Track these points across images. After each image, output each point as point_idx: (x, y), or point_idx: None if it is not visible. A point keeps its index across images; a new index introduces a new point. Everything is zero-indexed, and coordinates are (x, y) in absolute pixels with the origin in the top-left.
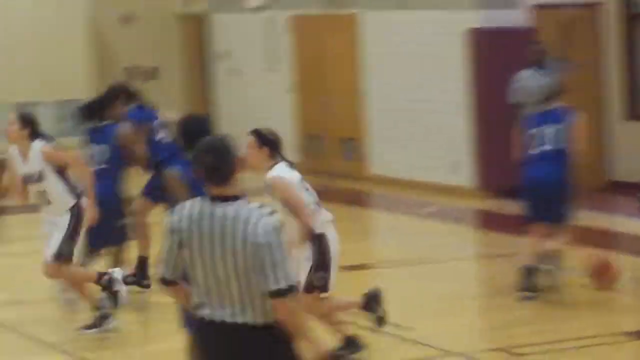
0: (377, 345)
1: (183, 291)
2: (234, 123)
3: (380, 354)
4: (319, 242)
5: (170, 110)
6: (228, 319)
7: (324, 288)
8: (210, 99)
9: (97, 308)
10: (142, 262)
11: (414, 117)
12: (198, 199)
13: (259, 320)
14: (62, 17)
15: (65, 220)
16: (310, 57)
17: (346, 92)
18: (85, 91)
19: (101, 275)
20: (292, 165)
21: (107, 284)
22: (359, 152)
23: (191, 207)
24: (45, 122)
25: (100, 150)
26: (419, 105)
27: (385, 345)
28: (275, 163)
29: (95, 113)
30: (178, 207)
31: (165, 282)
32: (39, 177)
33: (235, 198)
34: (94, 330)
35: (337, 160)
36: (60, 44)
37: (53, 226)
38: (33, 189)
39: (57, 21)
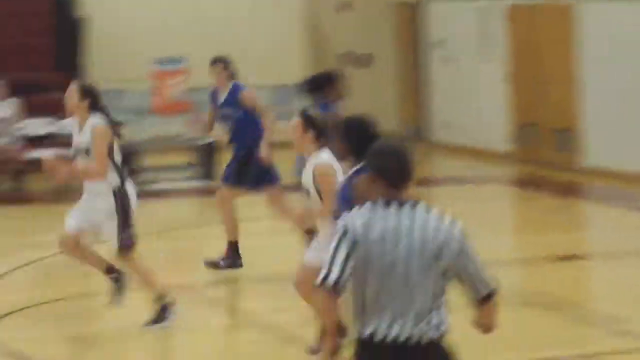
0: (591, 336)
1: (337, 303)
2: (446, 112)
3: (593, 346)
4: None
5: (383, 95)
6: (403, 334)
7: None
8: (423, 87)
9: (160, 298)
10: (234, 245)
11: (631, 109)
12: (372, 204)
13: (434, 334)
14: (279, 3)
15: (108, 203)
16: (525, 47)
17: (561, 82)
18: (299, 77)
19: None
20: (334, 153)
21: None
22: (573, 143)
23: (368, 211)
24: None
25: None
26: (636, 96)
27: (601, 337)
28: (320, 148)
29: (317, 88)
30: (353, 211)
31: (335, 289)
32: (87, 151)
33: (413, 203)
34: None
35: (549, 150)
36: (276, 30)
37: (92, 202)
38: (81, 162)
39: (275, 7)
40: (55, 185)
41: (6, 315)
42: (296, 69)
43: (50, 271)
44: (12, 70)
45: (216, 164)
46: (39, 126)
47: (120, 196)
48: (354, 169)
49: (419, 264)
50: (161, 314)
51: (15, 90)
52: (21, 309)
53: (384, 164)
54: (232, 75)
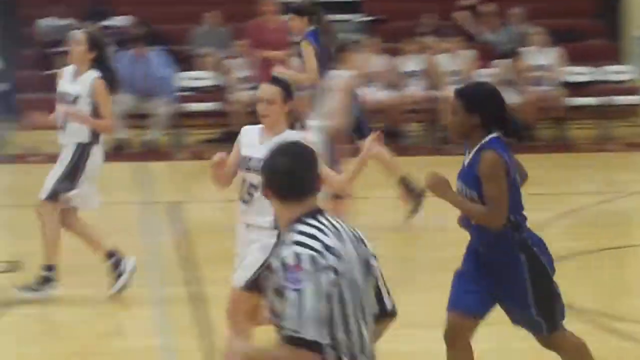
0: None
1: None
2: None
3: None
4: None
5: None
6: None
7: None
8: None
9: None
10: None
11: None
12: (309, 220)
13: None
14: None
15: (68, 155)
16: None
17: None
18: None
19: (111, 254)
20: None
21: (114, 264)
22: None
23: (320, 230)
24: None
25: None
26: None
27: None
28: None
29: None
30: (304, 235)
31: (323, 349)
32: (74, 100)
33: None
34: (31, 293)
35: None
36: None
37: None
38: (61, 108)
39: None
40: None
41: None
42: None
43: (590, 220)
44: (552, 17)
45: None
46: (579, 73)
47: (80, 152)
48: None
49: (371, 282)
50: (41, 284)
51: (556, 37)
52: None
53: (307, 167)
54: (310, 24)
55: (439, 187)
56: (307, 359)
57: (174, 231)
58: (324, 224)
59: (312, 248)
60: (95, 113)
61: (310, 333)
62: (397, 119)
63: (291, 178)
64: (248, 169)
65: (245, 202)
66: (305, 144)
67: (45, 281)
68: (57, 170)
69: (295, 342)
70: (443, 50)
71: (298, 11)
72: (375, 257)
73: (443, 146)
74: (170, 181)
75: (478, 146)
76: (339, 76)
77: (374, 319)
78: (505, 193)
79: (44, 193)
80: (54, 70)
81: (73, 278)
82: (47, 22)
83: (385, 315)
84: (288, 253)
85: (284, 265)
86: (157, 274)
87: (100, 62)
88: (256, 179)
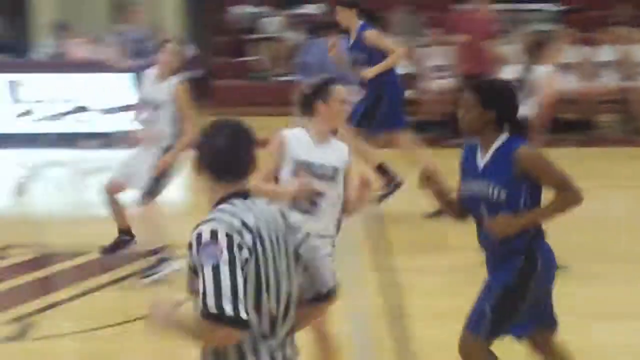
0: None
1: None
2: None
3: None
4: None
5: None
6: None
7: None
8: None
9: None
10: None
11: None
12: (236, 200)
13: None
14: None
15: (154, 157)
16: None
17: None
18: None
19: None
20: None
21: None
22: None
23: (243, 209)
24: None
25: None
26: None
27: None
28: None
29: None
30: (225, 213)
31: (244, 325)
32: (157, 106)
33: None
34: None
35: None
36: None
37: (139, 156)
38: (144, 113)
39: None
40: None
41: None
42: None
43: None
44: None
45: None
46: None
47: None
48: (499, 143)
49: (290, 266)
50: (156, 266)
51: None
52: None
53: (242, 149)
54: (359, 15)
55: (510, 227)
56: (225, 334)
57: (368, 216)
58: (248, 206)
59: (229, 225)
60: (177, 118)
61: (228, 308)
62: (589, 110)
63: (229, 159)
64: (309, 176)
65: (305, 211)
66: (246, 125)
67: (161, 262)
68: (148, 171)
69: (214, 318)
70: (637, 41)
71: (346, 3)
72: (308, 243)
73: (635, 137)
74: None
75: (499, 147)
76: (542, 72)
77: (310, 302)
78: (560, 168)
79: (142, 191)
80: (247, 58)
81: None
82: (240, 10)
83: (321, 298)
84: (205, 229)
85: (199, 240)
86: (349, 259)
87: (182, 71)
88: (321, 185)
